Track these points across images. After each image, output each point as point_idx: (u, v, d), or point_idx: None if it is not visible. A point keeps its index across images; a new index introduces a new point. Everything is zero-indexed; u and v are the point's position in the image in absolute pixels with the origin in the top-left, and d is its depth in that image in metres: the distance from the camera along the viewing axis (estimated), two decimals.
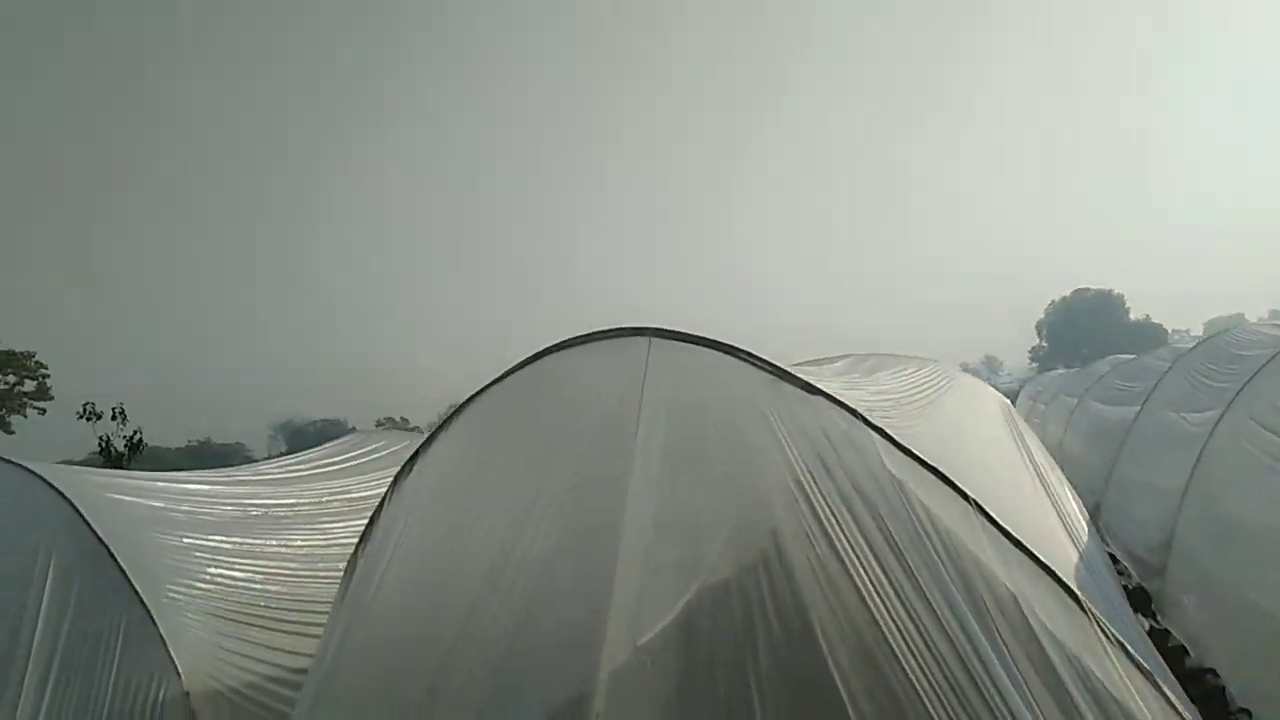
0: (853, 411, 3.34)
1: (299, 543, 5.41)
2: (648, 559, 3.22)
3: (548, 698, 3.08)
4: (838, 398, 3.39)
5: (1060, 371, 27.35)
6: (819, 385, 3.41)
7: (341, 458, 7.50)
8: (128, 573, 4.11)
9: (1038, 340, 70.00)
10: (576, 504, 3.42)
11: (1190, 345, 11.59)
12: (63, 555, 4.25)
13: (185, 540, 4.76)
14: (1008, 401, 7.18)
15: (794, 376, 3.43)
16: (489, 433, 3.85)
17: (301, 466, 7.35)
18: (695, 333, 3.64)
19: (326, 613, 4.59)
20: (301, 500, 6.18)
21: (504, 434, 3.83)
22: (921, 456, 3.23)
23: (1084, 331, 60.64)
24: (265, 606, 4.60)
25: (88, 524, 4.26)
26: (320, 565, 5.18)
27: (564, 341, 3.81)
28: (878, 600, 2.94)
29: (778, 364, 3.47)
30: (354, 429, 11.82)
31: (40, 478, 4.52)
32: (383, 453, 8.13)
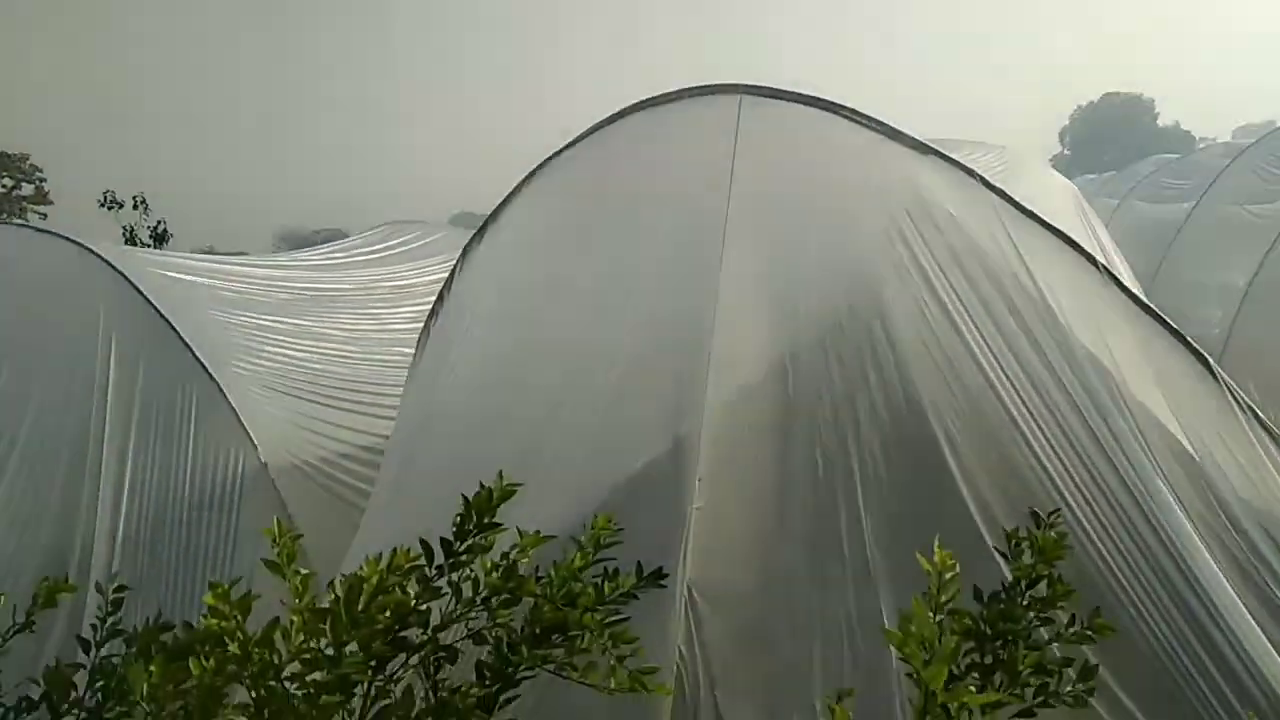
0: (969, 171, 3.08)
1: (351, 325, 5.30)
2: (744, 326, 3.07)
3: (644, 458, 3.01)
4: (953, 157, 3.12)
5: (1092, 176, 26.45)
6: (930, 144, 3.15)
7: (378, 246, 7.30)
8: (193, 348, 4.01)
9: (1060, 148, 67.78)
10: (666, 269, 3.23)
11: (1250, 142, 11.04)
12: (124, 331, 4.14)
13: (242, 318, 4.65)
14: (1076, 189, 6.88)
15: (905, 135, 3.14)
16: (566, 197, 3.61)
17: (338, 254, 7.16)
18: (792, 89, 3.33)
19: (388, 394, 4.55)
20: (346, 286, 6.04)
21: (583, 198, 3.59)
22: (1044, 219, 3.00)
23: (1110, 138, 58.53)
24: (328, 386, 4.55)
25: (148, 300, 4.12)
26: (375, 349, 5.10)
27: (647, 100, 3.51)
28: (997, 370, 2.79)
29: (886, 122, 3.18)
30: None
31: (94, 253, 4.33)
32: (417, 243, 7.92)
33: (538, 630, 1.58)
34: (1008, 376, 2.77)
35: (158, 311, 4.08)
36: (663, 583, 2.01)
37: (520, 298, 3.41)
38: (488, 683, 1.55)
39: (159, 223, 14.39)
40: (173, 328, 4.06)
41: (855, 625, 2.64)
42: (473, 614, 1.60)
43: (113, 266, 4.22)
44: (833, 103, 3.20)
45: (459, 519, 1.71)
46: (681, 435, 2.86)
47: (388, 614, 1.40)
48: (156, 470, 3.87)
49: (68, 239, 4.42)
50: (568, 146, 3.60)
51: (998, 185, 3.88)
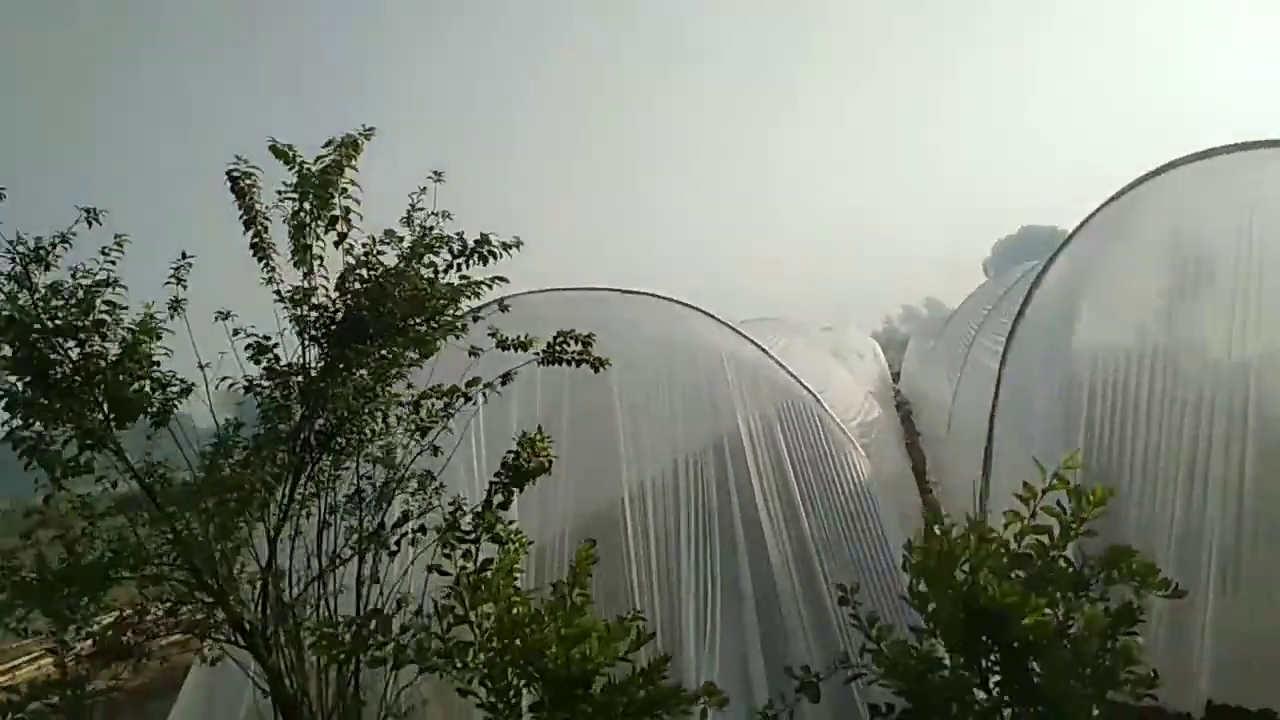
0: None
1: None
2: None
3: None
4: None
5: None
6: None
7: None
8: (797, 377, 5.46)
9: (984, 277, 67.14)
10: None
11: None
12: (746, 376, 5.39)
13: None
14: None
15: None
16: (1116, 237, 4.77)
17: None
18: None
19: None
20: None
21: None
22: None
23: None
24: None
25: (766, 352, 5.64)
26: None
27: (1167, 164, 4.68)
28: None
29: None
30: None
31: (711, 315, 5.94)
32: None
33: None
34: None
35: (761, 349, 5.54)
36: None
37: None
38: None
39: None
40: (774, 359, 5.49)
41: None
42: None
43: (714, 318, 5.85)
44: None
45: None
46: None
47: None
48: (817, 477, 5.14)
49: (682, 303, 6.01)
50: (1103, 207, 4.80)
51: None
